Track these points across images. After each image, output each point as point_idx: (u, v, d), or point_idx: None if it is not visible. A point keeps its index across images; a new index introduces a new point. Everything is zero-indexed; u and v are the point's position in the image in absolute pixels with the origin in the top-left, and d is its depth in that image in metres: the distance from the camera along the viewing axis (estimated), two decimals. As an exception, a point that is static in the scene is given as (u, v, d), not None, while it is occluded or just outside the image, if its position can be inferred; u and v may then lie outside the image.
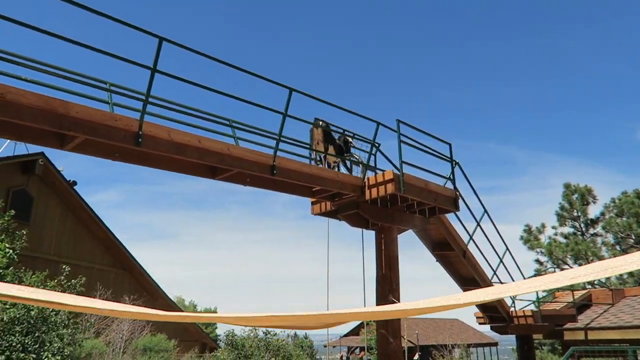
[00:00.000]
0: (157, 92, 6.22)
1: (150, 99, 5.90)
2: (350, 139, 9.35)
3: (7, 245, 9.62)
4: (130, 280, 18.17)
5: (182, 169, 7.04)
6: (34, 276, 9.84)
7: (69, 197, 16.35)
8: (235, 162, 6.82)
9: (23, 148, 15.07)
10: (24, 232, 10.94)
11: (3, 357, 8.30)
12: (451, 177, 9.81)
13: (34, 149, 14.88)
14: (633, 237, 26.73)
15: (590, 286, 22.60)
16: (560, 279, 2.18)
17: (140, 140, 5.78)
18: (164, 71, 5.78)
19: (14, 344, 8.62)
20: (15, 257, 9.74)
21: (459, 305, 2.51)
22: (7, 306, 8.93)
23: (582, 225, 28.44)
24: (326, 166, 9.16)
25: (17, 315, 8.90)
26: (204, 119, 7.02)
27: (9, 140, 14.09)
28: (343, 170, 9.34)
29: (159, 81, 5.76)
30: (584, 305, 14.95)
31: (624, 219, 26.99)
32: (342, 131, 9.16)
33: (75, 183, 16.80)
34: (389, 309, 3.36)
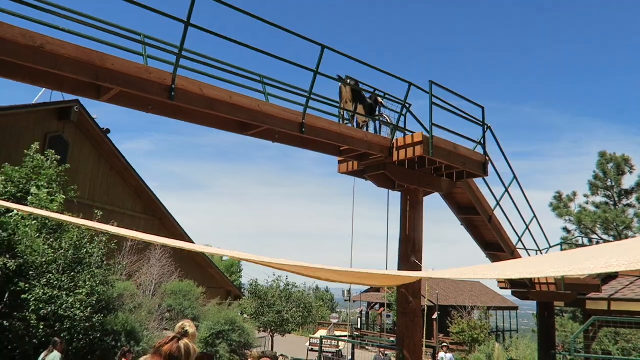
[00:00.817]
0: (190, 45, 6.24)
1: (183, 53, 5.93)
2: (380, 99, 9.24)
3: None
4: (160, 228, 18.75)
5: (213, 123, 7.13)
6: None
7: (103, 144, 16.76)
8: (265, 119, 6.87)
9: (59, 95, 15.39)
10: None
11: (42, 291, 8.84)
12: (482, 141, 9.65)
13: (69, 96, 15.18)
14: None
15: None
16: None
17: (173, 94, 5.85)
18: (197, 25, 5.78)
19: (52, 281, 9.17)
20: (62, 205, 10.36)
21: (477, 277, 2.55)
22: (46, 247, 9.42)
23: (616, 195, 27.72)
24: (355, 126, 9.11)
25: (55, 256, 9.41)
26: (235, 74, 7.03)
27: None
28: (371, 130, 9.28)
29: (191, 35, 5.76)
30: (609, 276, 14.84)
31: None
32: (372, 90, 9.04)
33: (108, 131, 17.17)
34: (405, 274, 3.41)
